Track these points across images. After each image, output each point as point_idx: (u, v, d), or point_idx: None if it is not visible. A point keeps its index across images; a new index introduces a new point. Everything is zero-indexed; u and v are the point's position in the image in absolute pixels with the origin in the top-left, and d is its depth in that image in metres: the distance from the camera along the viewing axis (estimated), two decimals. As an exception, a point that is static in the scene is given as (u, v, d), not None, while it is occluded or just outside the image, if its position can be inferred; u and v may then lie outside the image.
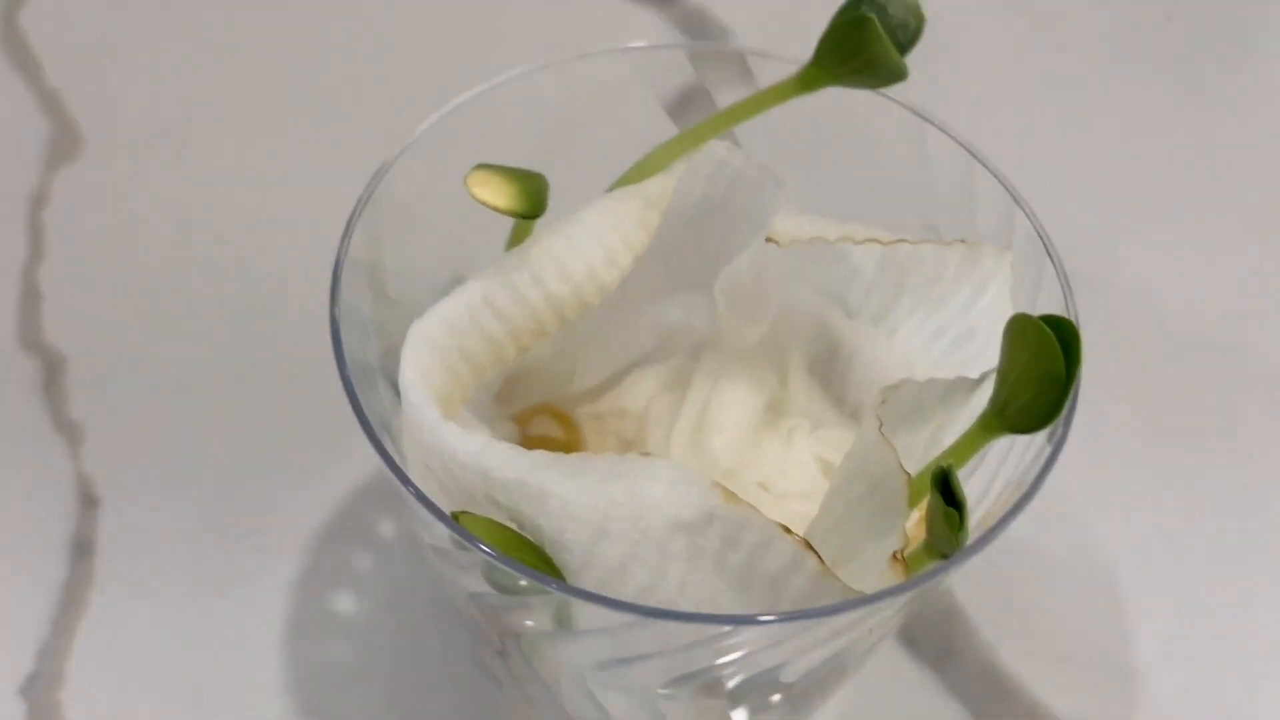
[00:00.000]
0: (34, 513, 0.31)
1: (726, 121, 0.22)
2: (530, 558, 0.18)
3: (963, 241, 0.22)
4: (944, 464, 0.18)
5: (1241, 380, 0.35)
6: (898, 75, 0.20)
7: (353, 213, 0.21)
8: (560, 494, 0.17)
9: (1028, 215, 0.21)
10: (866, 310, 0.23)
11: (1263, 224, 0.38)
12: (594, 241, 0.21)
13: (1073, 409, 0.18)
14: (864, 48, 0.20)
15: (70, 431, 0.33)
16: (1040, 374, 0.18)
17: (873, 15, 0.19)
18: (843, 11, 0.21)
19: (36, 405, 0.33)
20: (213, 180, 0.38)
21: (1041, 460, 0.19)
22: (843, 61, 0.20)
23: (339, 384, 0.19)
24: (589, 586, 0.17)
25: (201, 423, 0.33)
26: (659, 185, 0.22)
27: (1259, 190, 0.40)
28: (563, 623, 0.19)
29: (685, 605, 0.18)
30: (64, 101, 0.40)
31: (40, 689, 0.28)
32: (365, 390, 0.19)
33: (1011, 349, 0.18)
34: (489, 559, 0.17)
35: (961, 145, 0.23)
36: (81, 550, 0.30)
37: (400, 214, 0.22)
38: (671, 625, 0.17)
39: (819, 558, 0.17)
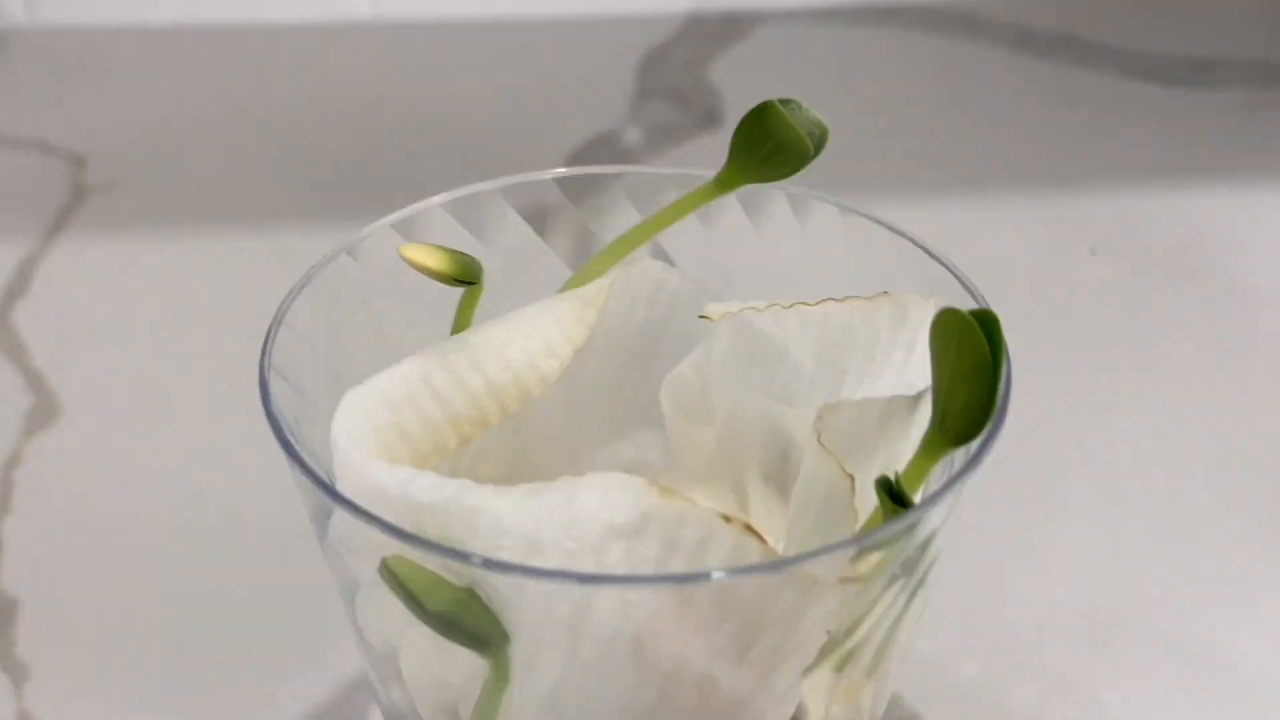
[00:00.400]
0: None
1: (652, 229, 0.24)
2: (460, 599, 0.17)
3: (885, 293, 0.23)
4: (889, 476, 0.17)
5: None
6: (804, 154, 0.22)
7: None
8: (491, 509, 0.17)
9: (946, 265, 0.22)
10: (813, 402, 0.24)
11: (1182, 442, 0.38)
12: (534, 332, 0.22)
13: (1004, 410, 0.18)
14: (770, 133, 0.21)
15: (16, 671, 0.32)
16: (970, 365, 0.18)
17: (773, 100, 0.21)
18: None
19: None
20: (176, 449, 0.39)
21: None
22: (753, 151, 0.22)
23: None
24: (527, 611, 0.16)
25: (148, 665, 0.32)
26: (595, 287, 0.23)
27: (1179, 415, 0.40)
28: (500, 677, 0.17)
29: (625, 629, 0.16)
30: (46, 378, 0.42)
31: None
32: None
33: (940, 348, 0.18)
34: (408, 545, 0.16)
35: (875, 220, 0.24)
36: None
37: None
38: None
39: (762, 540, 0.16)
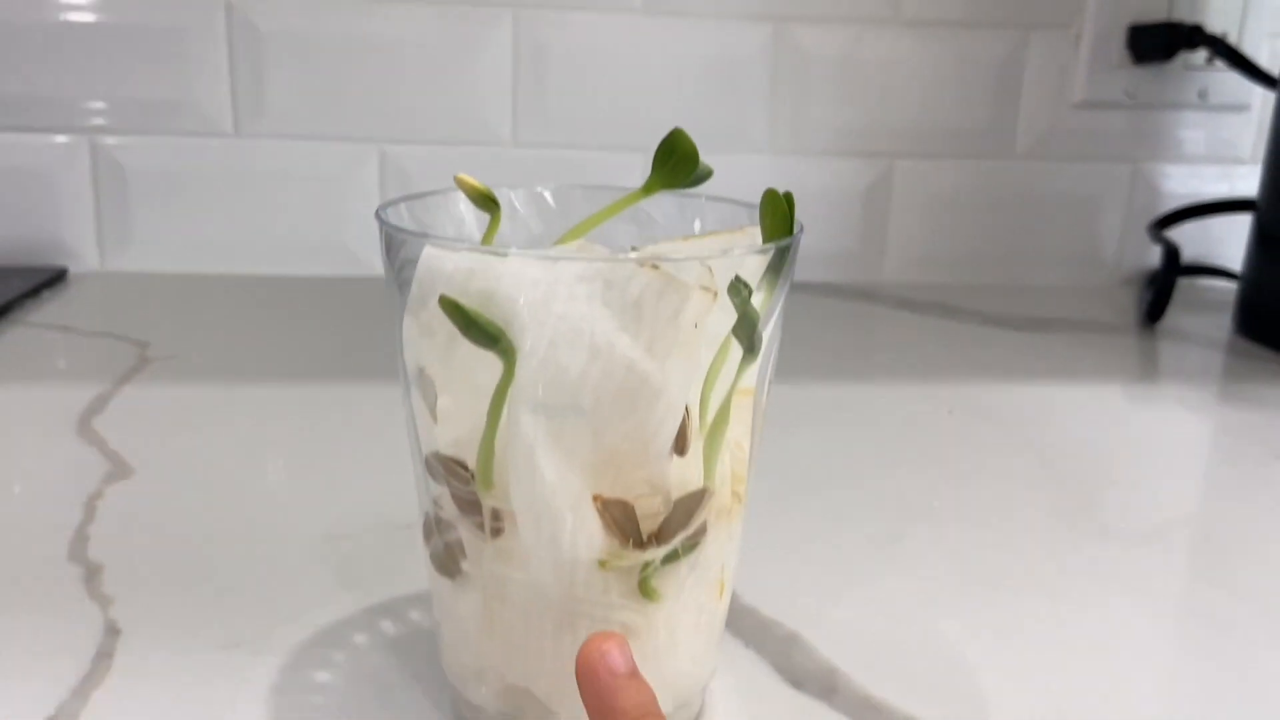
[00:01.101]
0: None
1: (602, 217, 0.37)
2: (480, 314, 0.28)
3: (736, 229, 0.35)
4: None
5: None
6: (694, 158, 0.35)
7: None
8: (508, 265, 0.29)
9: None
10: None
11: (1041, 628, 0.41)
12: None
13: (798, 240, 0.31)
14: (675, 148, 0.35)
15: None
16: (782, 215, 0.31)
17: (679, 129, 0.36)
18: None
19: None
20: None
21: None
22: (663, 163, 0.36)
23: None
24: (519, 307, 0.28)
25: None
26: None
27: (1033, 591, 0.45)
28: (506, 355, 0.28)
29: (585, 328, 0.28)
30: (126, 460, 0.53)
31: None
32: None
33: (766, 204, 0.31)
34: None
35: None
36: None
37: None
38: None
39: (656, 268, 0.28)
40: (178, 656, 0.36)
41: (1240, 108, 0.92)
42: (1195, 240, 0.93)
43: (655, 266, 0.28)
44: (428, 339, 0.30)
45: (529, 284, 0.28)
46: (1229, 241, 0.93)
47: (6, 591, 0.40)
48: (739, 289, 0.29)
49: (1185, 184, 0.94)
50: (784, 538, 0.47)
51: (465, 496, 0.30)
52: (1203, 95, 0.91)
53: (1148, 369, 0.75)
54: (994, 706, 0.36)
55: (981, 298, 0.89)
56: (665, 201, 0.36)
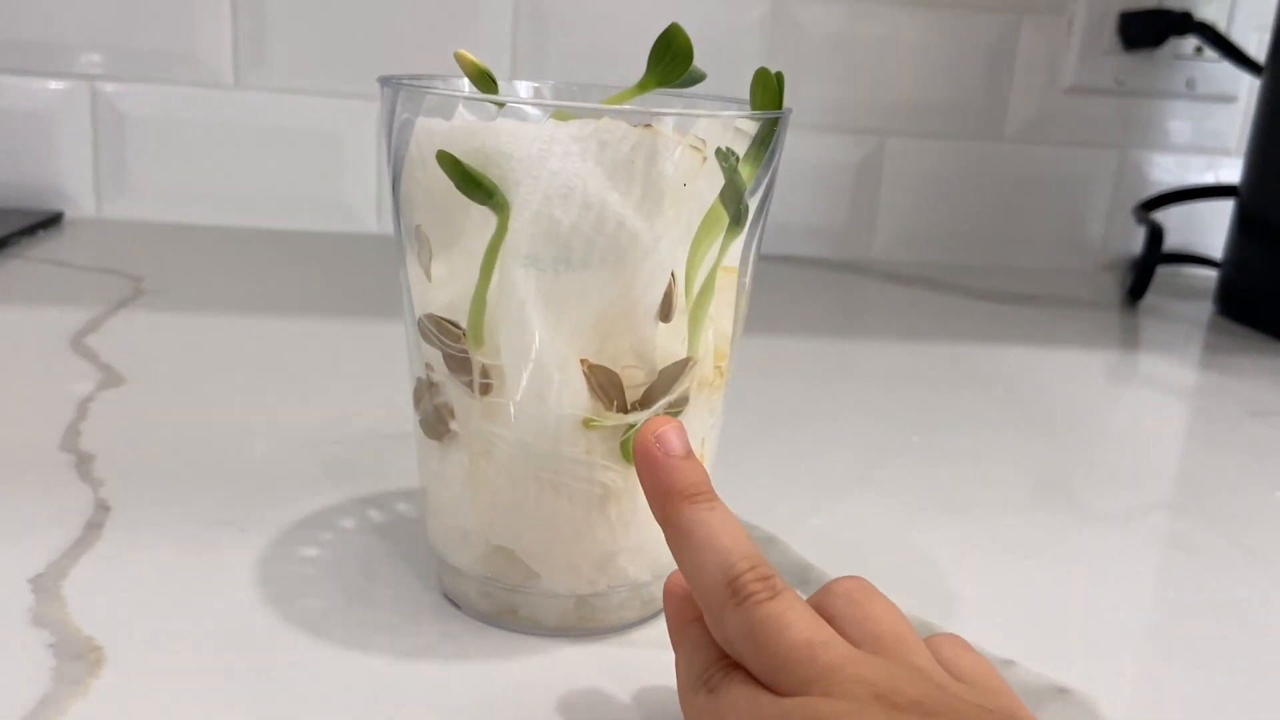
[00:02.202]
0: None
1: (610, 104, 0.38)
2: (477, 170, 0.29)
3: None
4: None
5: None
6: (688, 54, 0.36)
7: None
8: (507, 125, 0.30)
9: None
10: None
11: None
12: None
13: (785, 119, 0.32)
14: (670, 45, 0.36)
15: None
16: (772, 91, 0.32)
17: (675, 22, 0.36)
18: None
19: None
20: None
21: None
22: (659, 60, 0.37)
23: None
24: (514, 161, 0.29)
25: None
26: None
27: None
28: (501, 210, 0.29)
29: (578, 184, 0.29)
30: (116, 369, 0.54)
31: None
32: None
33: (758, 81, 0.33)
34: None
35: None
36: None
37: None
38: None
39: (650, 127, 0.29)
40: (165, 530, 0.37)
41: (1227, 99, 0.94)
42: (1179, 230, 0.95)
43: (648, 126, 0.29)
44: (424, 198, 0.31)
45: (525, 141, 0.29)
46: (1212, 230, 0.94)
47: (-2, 474, 0.40)
48: (727, 155, 0.30)
49: (1171, 172, 0.96)
50: (766, 462, 0.48)
51: (456, 355, 0.31)
52: (1191, 85, 0.92)
53: (1128, 340, 0.76)
54: (959, 598, 0.37)
55: (967, 274, 0.90)
56: (661, 99, 0.37)
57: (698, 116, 0.29)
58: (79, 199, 0.85)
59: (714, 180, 0.30)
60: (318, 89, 0.85)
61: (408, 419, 0.35)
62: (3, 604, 0.32)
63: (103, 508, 0.38)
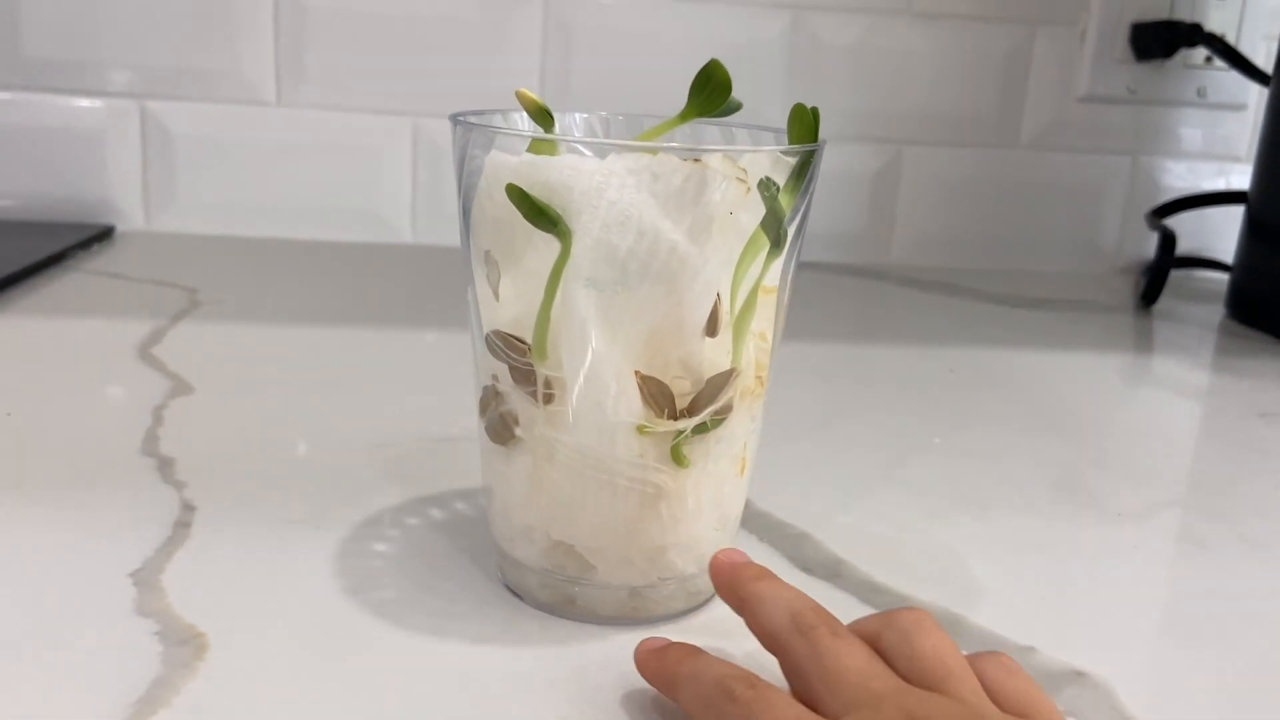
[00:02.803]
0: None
1: (647, 138, 0.41)
2: (542, 201, 0.32)
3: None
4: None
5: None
6: (727, 86, 0.39)
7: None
8: (570, 161, 0.33)
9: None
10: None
11: (1034, 532, 0.46)
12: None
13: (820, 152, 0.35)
14: (710, 79, 0.39)
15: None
16: (808, 125, 0.35)
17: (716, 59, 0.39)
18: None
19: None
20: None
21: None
22: (699, 93, 0.40)
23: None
24: (580, 204, 0.32)
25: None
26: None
27: (1016, 505, 0.56)
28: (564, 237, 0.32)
29: (634, 213, 0.32)
30: (182, 377, 0.57)
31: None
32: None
33: (794, 118, 0.35)
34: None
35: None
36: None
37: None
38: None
39: (699, 161, 0.32)
40: (248, 527, 0.40)
41: (1238, 106, 0.96)
42: (1192, 234, 0.97)
43: (697, 160, 0.32)
44: (493, 225, 0.34)
45: (585, 175, 0.32)
46: (1224, 235, 0.97)
47: (86, 478, 0.44)
48: (768, 185, 0.33)
49: (1183, 178, 0.98)
50: (797, 461, 0.51)
51: (521, 368, 0.34)
52: (1201, 93, 0.95)
53: (1142, 343, 0.79)
54: (982, 588, 0.40)
55: (984, 279, 0.93)
56: (701, 128, 0.40)
57: (742, 152, 0.32)
58: (129, 213, 0.88)
59: (756, 208, 0.33)
60: (355, 106, 0.88)
61: (454, 422, 0.38)
62: (108, 597, 0.35)
63: (189, 508, 0.42)
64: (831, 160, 0.95)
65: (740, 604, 0.32)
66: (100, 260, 0.79)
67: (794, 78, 0.91)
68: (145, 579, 0.36)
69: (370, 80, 0.88)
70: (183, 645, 0.33)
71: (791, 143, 0.35)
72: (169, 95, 0.86)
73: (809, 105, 0.35)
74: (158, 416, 0.50)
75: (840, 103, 0.93)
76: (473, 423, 0.37)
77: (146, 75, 0.86)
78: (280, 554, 0.38)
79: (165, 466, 0.45)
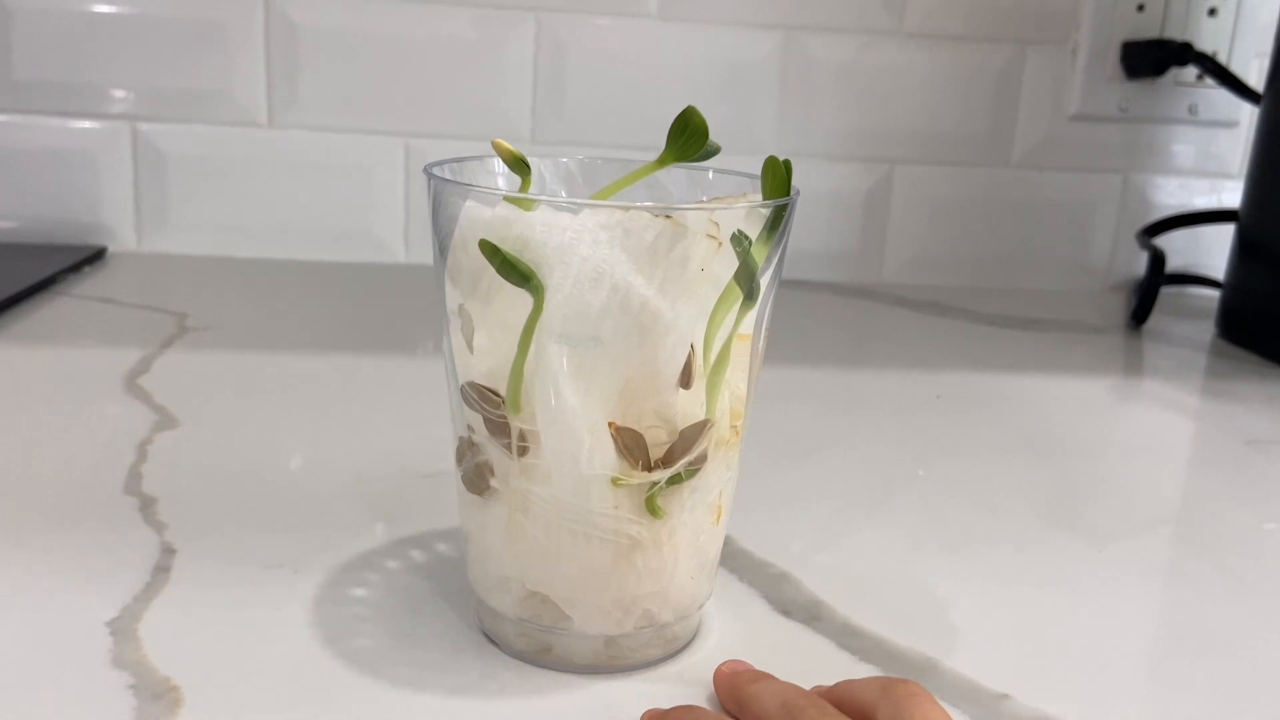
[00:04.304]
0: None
1: (621, 185, 0.41)
2: (515, 256, 0.32)
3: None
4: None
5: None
6: (704, 133, 0.39)
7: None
8: (541, 217, 0.33)
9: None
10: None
11: (1028, 544, 0.49)
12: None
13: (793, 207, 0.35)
14: (687, 125, 0.39)
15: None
16: (781, 179, 0.35)
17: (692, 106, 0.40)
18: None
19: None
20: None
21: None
22: (676, 139, 0.40)
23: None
24: (547, 250, 0.32)
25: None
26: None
27: (1004, 511, 0.57)
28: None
29: (606, 269, 0.32)
30: (168, 409, 0.57)
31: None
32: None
33: (767, 170, 0.36)
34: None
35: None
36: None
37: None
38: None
39: (670, 218, 0.32)
40: (228, 571, 0.40)
41: (1229, 124, 0.96)
42: (1185, 251, 0.97)
43: (669, 217, 0.32)
44: (467, 277, 0.34)
45: (558, 230, 0.32)
46: (1217, 252, 0.97)
47: (69, 518, 0.44)
48: (740, 240, 0.33)
49: (1175, 196, 0.98)
50: (777, 494, 0.51)
51: (496, 420, 0.34)
52: (1193, 111, 0.95)
53: (1132, 365, 0.79)
54: (962, 634, 0.40)
55: (976, 298, 0.93)
56: (678, 173, 0.40)
57: (714, 209, 0.32)
58: (121, 234, 0.89)
59: (729, 262, 0.33)
60: (347, 127, 0.88)
61: (440, 457, 0.38)
62: (84, 646, 0.35)
63: (169, 550, 0.42)
64: (823, 179, 0.96)
65: (740, 707, 0.33)
66: (91, 284, 0.79)
67: (786, 97, 0.91)
68: (121, 628, 0.36)
69: (361, 101, 0.88)
70: (157, 700, 0.33)
71: (765, 196, 0.35)
72: (162, 117, 0.87)
73: (781, 159, 0.35)
74: (142, 452, 0.50)
75: (832, 122, 0.93)
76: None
77: (139, 97, 0.86)
78: (259, 602, 0.39)
79: (147, 506, 0.45)
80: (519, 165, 0.37)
